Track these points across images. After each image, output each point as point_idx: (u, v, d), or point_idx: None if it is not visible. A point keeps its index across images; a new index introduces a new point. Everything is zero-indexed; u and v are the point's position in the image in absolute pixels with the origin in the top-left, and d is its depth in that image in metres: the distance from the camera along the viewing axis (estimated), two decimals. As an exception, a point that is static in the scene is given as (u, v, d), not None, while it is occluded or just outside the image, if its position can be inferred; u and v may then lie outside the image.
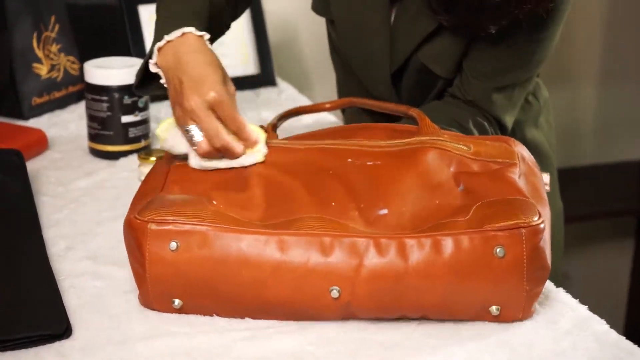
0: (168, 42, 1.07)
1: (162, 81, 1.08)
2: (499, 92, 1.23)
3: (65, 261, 1.09)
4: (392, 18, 1.26)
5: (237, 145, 1.03)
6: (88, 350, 0.93)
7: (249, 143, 1.04)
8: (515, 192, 0.99)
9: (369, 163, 1.03)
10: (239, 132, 1.03)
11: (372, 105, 1.21)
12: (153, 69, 1.08)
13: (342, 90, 1.44)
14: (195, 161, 1.04)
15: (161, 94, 1.11)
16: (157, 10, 1.16)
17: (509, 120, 1.25)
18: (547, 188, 1.06)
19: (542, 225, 0.94)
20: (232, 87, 1.05)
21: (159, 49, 1.07)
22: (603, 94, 2.35)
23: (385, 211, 0.98)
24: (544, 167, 1.13)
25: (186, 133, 1.03)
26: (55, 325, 0.94)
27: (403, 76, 1.28)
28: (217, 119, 1.02)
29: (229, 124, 1.03)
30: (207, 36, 1.08)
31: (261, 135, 1.05)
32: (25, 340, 0.92)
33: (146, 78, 1.12)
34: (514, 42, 1.18)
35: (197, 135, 1.03)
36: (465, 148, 1.04)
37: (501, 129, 1.25)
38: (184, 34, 1.07)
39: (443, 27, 1.20)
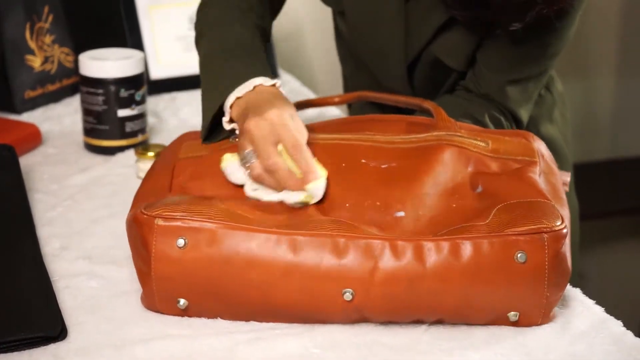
0: (238, 98, 1.03)
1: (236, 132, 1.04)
2: (513, 85, 1.21)
3: (59, 261, 1.08)
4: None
5: (286, 171, 0.97)
6: (84, 354, 0.91)
7: (307, 175, 0.98)
8: (536, 193, 0.97)
9: (383, 166, 1.01)
10: (298, 161, 0.98)
11: (384, 98, 1.19)
12: (228, 126, 1.05)
13: (350, 85, 1.41)
14: (247, 188, 1.00)
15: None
16: (199, 47, 1.13)
17: (524, 114, 1.23)
18: (567, 188, 1.03)
19: (564, 230, 0.93)
20: (304, 131, 1.00)
21: (231, 106, 1.03)
22: (620, 86, 2.33)
23: (402, 214, 0.97)
24: (559, 163, 1.12)
25: (243, 158, 1.00)
26: (50, 327, 0.93)
27: (416, 69, 1.26)
28: (275, 144, 0.98)
29: (289, 149, 0.98)
30: (279, 82, 1.05)
31: (322, 175, 0.99)
32: (18, 343, 0.91)
33: (213, 129, 1.07)
34: (530, 34, 1.15)
35: (252, 157, 0.99)
36: (483, 144, 1.02)
37: (517, 123, 1.24)
38: (255, 87, 1.04)
39: (457, 19, 1.17)
